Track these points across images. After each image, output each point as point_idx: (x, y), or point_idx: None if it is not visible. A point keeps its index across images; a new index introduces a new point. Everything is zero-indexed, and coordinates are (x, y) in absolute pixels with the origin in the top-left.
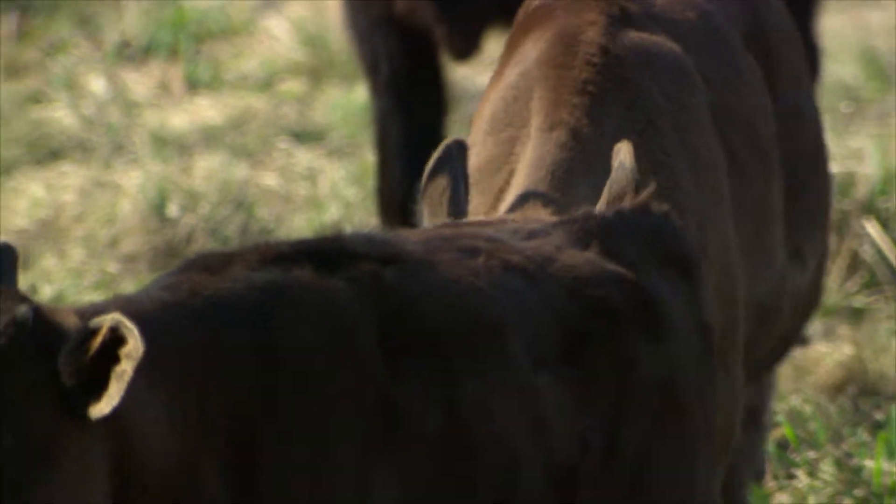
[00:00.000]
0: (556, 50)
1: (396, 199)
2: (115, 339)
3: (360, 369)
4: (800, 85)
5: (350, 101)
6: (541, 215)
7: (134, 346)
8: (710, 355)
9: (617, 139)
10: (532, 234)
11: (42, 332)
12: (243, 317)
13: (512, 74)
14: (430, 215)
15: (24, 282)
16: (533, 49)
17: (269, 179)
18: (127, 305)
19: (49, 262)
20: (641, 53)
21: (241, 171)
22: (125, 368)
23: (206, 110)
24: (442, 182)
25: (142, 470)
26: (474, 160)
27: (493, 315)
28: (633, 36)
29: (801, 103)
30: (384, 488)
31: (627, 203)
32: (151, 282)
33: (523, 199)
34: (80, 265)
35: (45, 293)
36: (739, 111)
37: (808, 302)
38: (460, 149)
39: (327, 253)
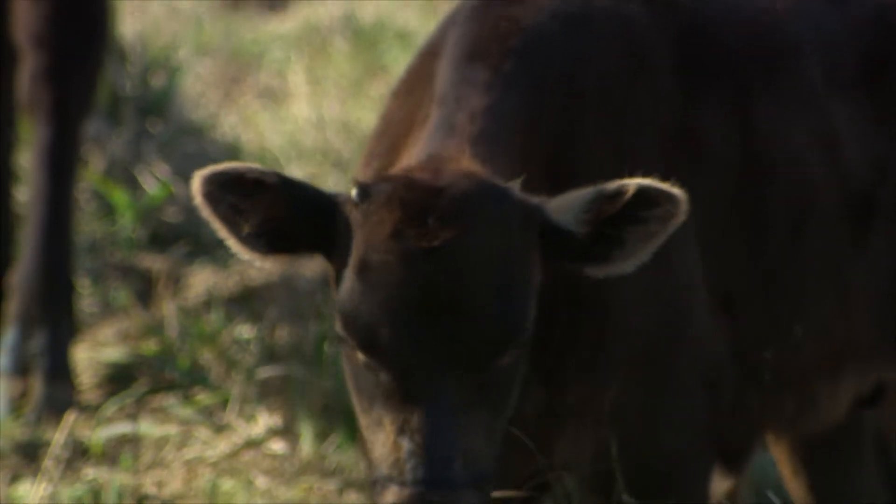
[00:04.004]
0: None
1: None
2: (642, 200)
3: (657, 95)
4: None
5: None
6: None
7: (674, 210)
8: None
9: None
10: None
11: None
12: (551, 51)
13: None
14: None
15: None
16: None
17: None
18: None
19: None
20: None
21: None
22: (656, 230)
23: None
24: None
25: None
26: None
27: (787, 37)
28: None
29: None
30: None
31: None
32: (453, 9)
33: None
34: None
35: None
36: None
37: None
38: None
39: None
